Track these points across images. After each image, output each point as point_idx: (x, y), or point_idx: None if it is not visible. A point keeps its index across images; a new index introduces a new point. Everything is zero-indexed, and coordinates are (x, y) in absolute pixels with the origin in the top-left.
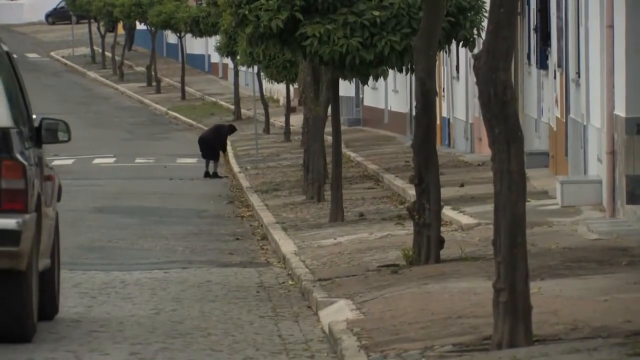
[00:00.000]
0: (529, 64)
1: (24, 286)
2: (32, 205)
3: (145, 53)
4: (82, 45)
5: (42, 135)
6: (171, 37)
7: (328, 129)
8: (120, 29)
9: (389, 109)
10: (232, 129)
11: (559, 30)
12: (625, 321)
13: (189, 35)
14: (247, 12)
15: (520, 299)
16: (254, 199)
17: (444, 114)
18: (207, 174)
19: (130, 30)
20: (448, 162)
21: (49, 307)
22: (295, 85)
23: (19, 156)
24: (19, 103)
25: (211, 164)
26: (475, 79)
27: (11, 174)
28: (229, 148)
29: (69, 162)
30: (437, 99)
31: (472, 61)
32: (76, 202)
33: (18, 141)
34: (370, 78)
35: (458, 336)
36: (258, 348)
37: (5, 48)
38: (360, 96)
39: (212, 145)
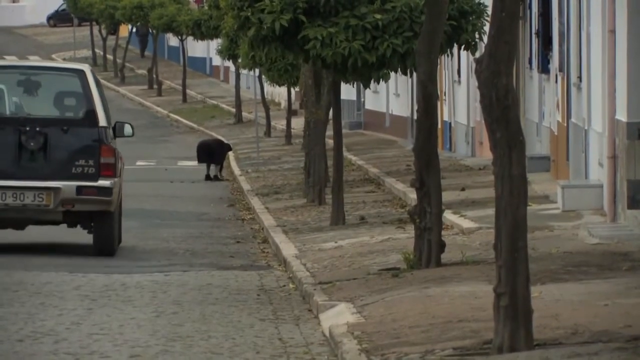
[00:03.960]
0: (531, 68)
1: (112, 221)
2: (117, 173)
3: (147, 55)
4: (83, 47)
5: (116, 131)
6: (173, 40)
7: (329, 132)
8: (123, 32)
9: (390, 112)
10: (230, 148)
11: (561, 34)
12: (626, 326)
13: (190, 38)
14: (249, 15)
15: (521, 303)
16: (255, 202)
17: (445, 118)
18: (208, 177)
19: (143, 37)
20: (449, 166)
21: (118, 238)
22: (297, 89)
23: (111, 143)
24: (107, 111)
25: (212, 166)
26: (476, 83)
27: (107, 154)
28: (230, 154)
29: None
30: (439, 103)
31: (474, 65)
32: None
33: (109, 134)
34: (372, 81)
35: (459, 340)
36: (258, 351)
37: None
38: (362, 100)
39: (212, 150)
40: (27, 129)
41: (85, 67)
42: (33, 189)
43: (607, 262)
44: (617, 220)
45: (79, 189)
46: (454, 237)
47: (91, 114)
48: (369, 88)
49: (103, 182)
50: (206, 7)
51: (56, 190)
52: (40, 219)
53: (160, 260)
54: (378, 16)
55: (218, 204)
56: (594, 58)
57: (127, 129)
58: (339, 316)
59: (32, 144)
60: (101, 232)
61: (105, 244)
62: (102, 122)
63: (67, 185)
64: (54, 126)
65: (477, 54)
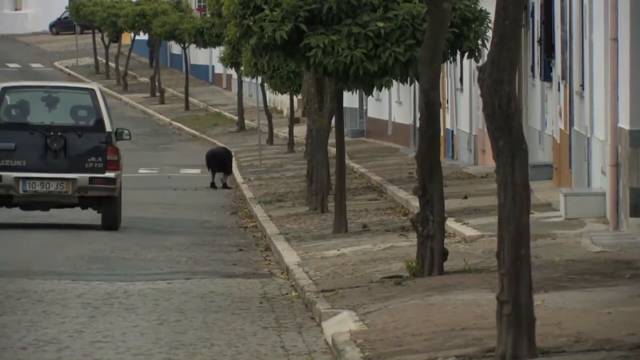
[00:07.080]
0: (533, 76)
1: (116, 204)
2: (120, 166)
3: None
4: (85, 55)
5: (116, 135)
6: (175, 48)
7: (332, 140)
8: (125, 39)
9: (392, 120)
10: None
11: (563, 42)
12: (629, 334)
13: (192, 46)
14: (251, 23)
15: (523, 311)
16: (258, 210)
17: (448, 126)
18: (213, 185)
19: (152, 47)
20: (452, 173)
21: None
22: (299, 96)
23: (115, 144)
24: (111, 119)
25: (220, 175)
26: (479, 91)
27: (112, 153)
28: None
29: None
30: (441, 111)
31: (476, 73)
32: (80, 212)
33: (114, 137)
34: (374, 89)
35: (461, 348)
36: (261, 359)
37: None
38: (364, 107)
39: (224, 158)
40: (51, 133)
41: (95, 86)
42: (56, 179)
43: (610, 270)
44: (620, 228)
45: (91, 179)
46: (457, 245)
47: (100, 122)
48: (372, 96)
49: (109, 174)
50: (208, 15)
51: (74, 180)
52: (61, 203)
53: (163, 268)
54: (380, 24)
55: (220, 212)
56: (596, 66)
57: (126, 134)
58: (341, 324)
59: (55, 145)
60: (108, 212)
61: (111, 221)
62: (108, 128)
63: (82, 177)
64: (71, 131)
65: (480, 62)
